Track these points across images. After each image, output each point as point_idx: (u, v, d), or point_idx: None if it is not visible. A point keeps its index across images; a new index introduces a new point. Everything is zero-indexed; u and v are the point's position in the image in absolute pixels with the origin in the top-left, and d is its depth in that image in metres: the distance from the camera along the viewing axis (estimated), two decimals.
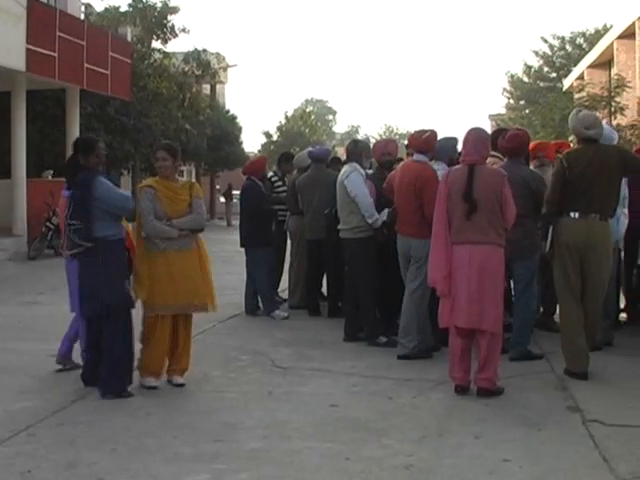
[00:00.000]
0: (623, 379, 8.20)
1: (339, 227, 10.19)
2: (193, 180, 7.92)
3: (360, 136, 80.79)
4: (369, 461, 5.87)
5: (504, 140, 9.27)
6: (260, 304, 12.18)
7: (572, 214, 8.24)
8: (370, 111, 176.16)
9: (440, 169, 9.21)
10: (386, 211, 9.71)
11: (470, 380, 7.72)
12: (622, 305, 11.22)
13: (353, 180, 9.91)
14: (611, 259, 8.47)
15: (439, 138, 9.63)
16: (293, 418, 6.91)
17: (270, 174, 13.75)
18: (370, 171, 10.67)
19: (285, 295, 13.29)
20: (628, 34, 42.59)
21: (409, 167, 9.30)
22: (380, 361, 9.05)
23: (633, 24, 41.25)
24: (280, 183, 13.37)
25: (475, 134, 7.94)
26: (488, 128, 56.51)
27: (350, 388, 7.95)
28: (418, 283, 9.05)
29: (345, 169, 10.21)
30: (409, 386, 7.98)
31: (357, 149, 10.32)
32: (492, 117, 72.94)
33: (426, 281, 8.48)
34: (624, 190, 9.35)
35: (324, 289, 12.50)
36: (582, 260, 8.21)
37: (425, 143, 9.33)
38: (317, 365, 8.90)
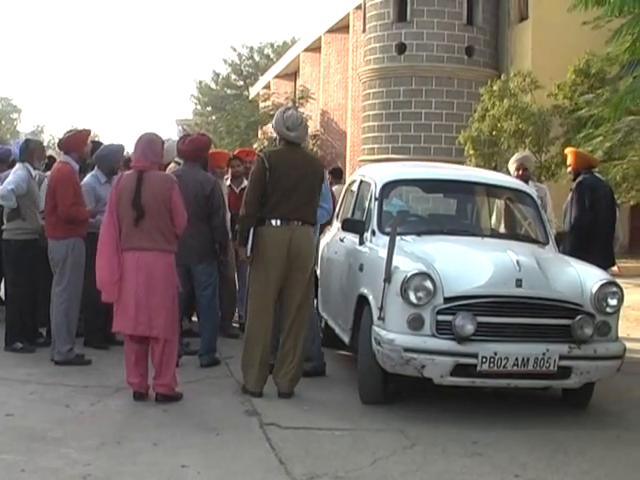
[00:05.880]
0: (299, 383, 8.22)
1: (3, 227, 9.92)
2: None
3: (45, 136, 78.87)
4: (46, 472, 5.78)
5: (183, 144, 9.39)
6: None
7: (274, 221, 7.90)
8: (56, 111, 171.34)
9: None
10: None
11: (148, 386, 7.70)
12: None
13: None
14: (313, 267, 8.33)
15: (105, 146, 10.11)
16: None
17: None
18: (43, 173, 10.58)
19: None
20: (314, 47, 44.35)
21: (54, 168, 9.41)
22: (58, 368, 8.84)
23: (319, 38, 42.99)
24: None
25: (146, 139, 7.88)
26: (175, 133, 56.79)
27: (26, 396, 7.75)
28: (62, 287, 9.02)
29: (15, 168, 9.99)
30: (87, 393, 7.88)
31: (29, 149, 10.10)
32: (180, 122, 73.57)
33: (71, 285, 8.89)
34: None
35: (1, 293, 12.11)
36: (284, 269, 7.91)
37: (67, 143, 9.40)
38: None
